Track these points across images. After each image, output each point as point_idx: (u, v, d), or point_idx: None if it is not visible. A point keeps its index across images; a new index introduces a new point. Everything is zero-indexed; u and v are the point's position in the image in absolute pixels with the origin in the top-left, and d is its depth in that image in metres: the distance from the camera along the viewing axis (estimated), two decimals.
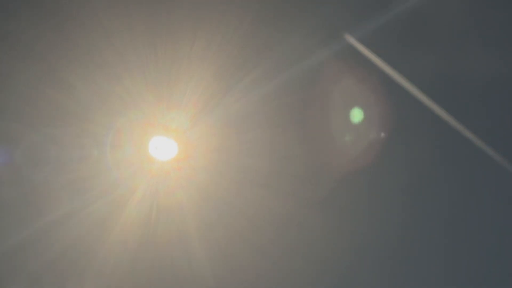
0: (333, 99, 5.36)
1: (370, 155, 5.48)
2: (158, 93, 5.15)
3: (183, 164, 5.40)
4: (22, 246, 5.55)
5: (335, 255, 5.60)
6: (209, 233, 5.53)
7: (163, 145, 5.33)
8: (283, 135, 5.41)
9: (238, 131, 5.35)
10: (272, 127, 5.38)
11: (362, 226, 5.67)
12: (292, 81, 5.22)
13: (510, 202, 5.81)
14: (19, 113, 5.33)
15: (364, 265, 5.76)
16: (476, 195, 5.81)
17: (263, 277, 5.62)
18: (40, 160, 5.40)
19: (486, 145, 5.46)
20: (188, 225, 5.50)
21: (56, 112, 5.32)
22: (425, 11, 5.06)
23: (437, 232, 5.85)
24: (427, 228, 5.84)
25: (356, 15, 5.03)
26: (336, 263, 5.64)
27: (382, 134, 5.38)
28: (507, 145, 5.53)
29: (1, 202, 5.45)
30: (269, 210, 5.47)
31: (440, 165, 5.68)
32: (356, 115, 5.42)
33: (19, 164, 5.42)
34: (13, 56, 5.15)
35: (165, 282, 5.61)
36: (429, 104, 5.28)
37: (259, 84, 5.22)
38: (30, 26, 5.08)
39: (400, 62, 5.17)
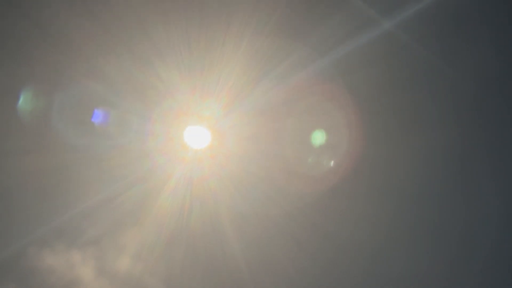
0: (364, 88, 5.38)
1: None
2: (192, 83, 5.22)
3: (216, 152, 5.49)
4: (57, 231, 5.68)
5: (367, 241, 5.68)
6: (241, 219, 5.63)
7: (197, 133, 5.42)
8: (315, 124, 5.47)
9: (270, 119, 5.42)
10: (303, 116, 5.44)
11: (388, 210, 5.74)
12: (323, 71, 5.26)
13: None
14: (55, 102, 5.43)
15: (398, 250, 5.81)
16: None
17: (295, 263, 5.72)
18: (76, 149, 5.51)
19: None
20: (221, 211, 5.60)
21: (91, 101, 5.41)
22: None
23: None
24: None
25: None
26: (367, 249, 5.72)
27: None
28: None
29: (41, 189, 5.58)
30: (300, 197, 5.56)
31: None
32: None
33: (54, 153, 5.53)
34: (49, 46, 5.22)
35: (198, 268, 5.74)
36: None
37: (291, 74, 5.26)
38: (66, 16, 5.15)
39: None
